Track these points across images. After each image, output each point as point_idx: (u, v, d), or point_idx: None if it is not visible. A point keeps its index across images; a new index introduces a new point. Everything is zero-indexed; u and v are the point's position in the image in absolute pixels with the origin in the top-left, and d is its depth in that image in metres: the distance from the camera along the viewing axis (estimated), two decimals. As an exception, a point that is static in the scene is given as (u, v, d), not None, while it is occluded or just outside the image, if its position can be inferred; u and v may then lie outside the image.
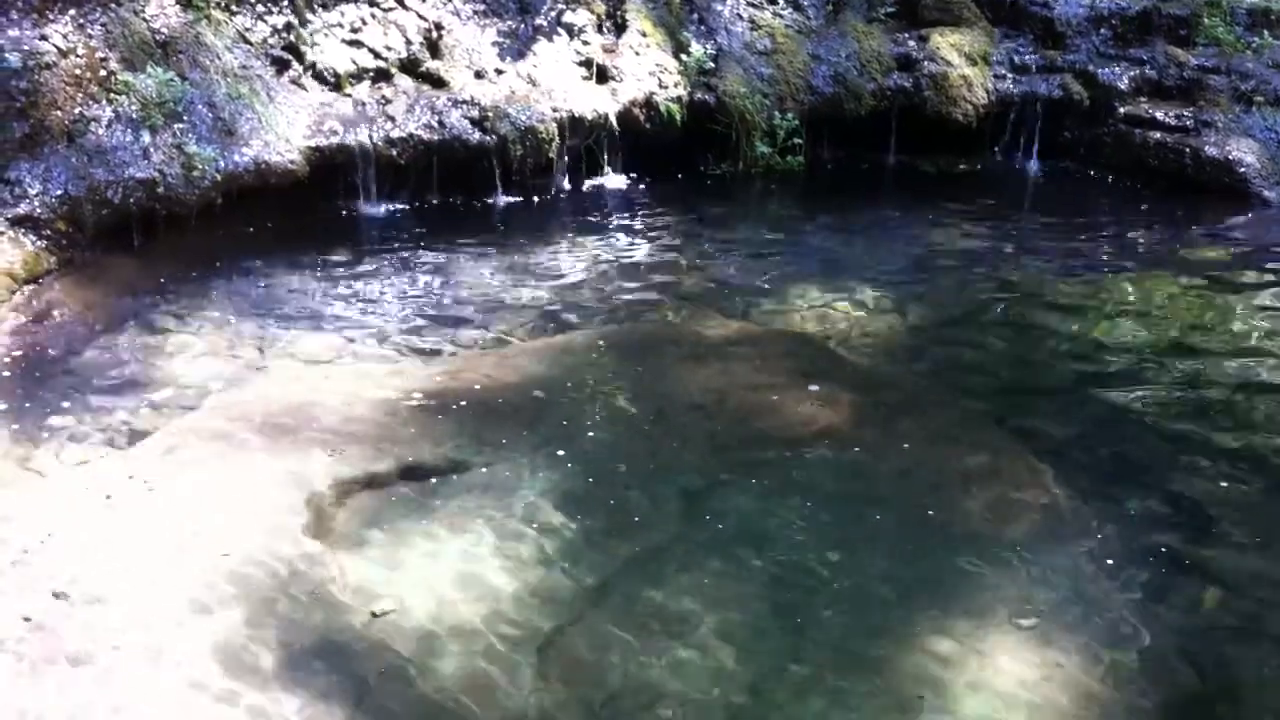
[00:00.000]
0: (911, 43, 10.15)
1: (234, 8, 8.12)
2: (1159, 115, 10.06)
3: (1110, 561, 4.40)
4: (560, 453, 4.94)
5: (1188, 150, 9.79)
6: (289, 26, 8.26)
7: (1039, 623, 4.04)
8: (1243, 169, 9.61)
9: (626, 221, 8.58)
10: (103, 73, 7.02)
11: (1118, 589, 4.24)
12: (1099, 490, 4.93)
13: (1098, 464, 5.20)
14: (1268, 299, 7.35)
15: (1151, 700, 3.71)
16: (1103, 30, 10.61)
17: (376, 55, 8.48)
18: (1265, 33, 10.63)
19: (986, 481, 4.92)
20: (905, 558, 4.39)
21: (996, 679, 3.76)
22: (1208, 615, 4.17)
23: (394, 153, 8.13)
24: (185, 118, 7.20)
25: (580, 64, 9.08)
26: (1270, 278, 7.80)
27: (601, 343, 6.19)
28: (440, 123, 8.28)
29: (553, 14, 9.18)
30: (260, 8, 8.23)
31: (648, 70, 9.18)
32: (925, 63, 9.99)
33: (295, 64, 8.22)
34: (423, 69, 8.61)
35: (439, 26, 8.76)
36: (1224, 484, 5.01)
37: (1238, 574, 4.41)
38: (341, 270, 7.19)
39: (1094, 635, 3.99)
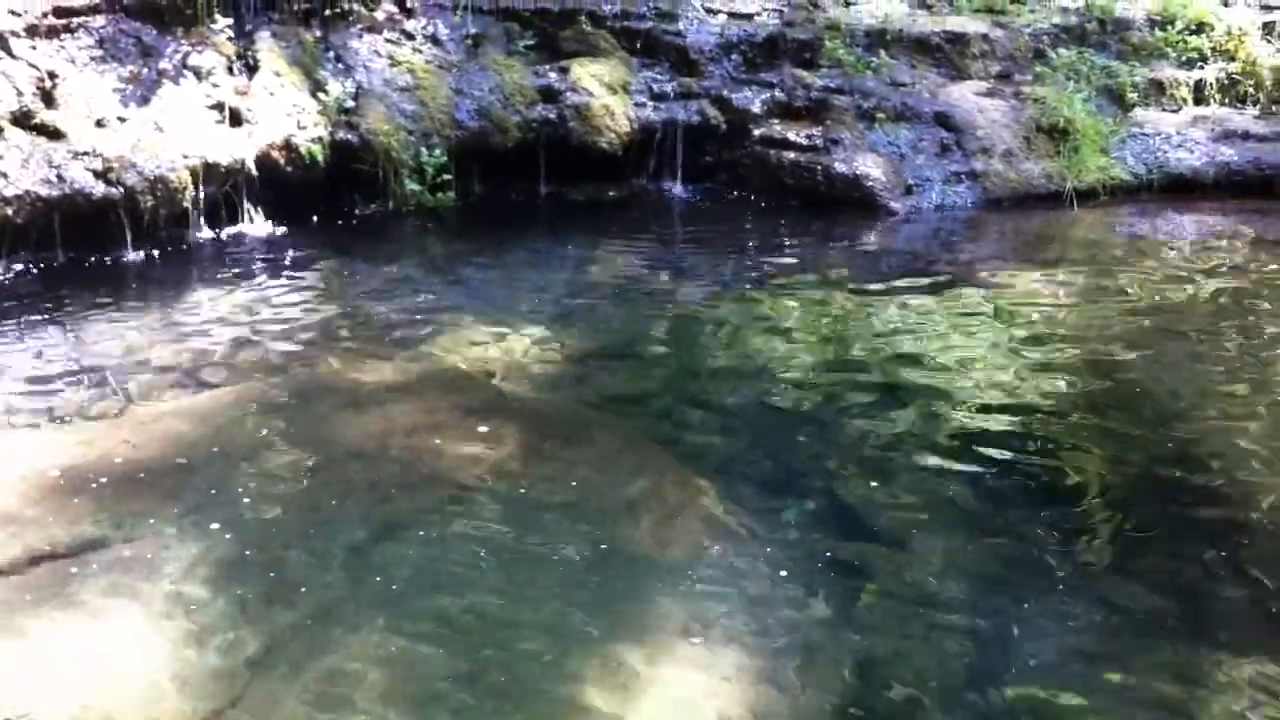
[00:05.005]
0: (553, 74, 10.25)
1: None
2: (791, 135, 10.55)
3: (773, 570, 4.48)
4: (211, 521, 4.63)
5: (819, 168, 10.31)
6: (-124, 80, 7.53)
7: (707, 639, 4.07)
8: (870, 182, 10.19)
9: (272, 269, 8.24)
10: None
11: (782, 597, 4.33)
12: (760, 502, 5.04)
13: (759, 477, 5.31)
14: (900, 301, 7.79)
15: (818, 703, 3.79)
16: (734, 56, 11.06)
17: (-17, 108, 7.83)
18: (882, 52, 11.35)
19: (652, 505, 4.94)
20: (577, 591, 4.34)
21: (668, 699, 3.75)
22: (868, 614, 4.30)
23: (9, 211, 7.52)
24: None
25: (212, 107, 8.68)
26: (899, 282, 8.28)
27: (250, 400, 5.86)
28: (59, 177, 7.72)
29: (177, 57, 8.75)
30: None
31: (284, 111, 8.88)
32: (568, 94, 10.11)
33: (-113, 121, 7.49)
34: (36, 121, 7.99)
35: (53, 75, 8.18)
36: (874, 484, 5.22)
37: (894, 572, 4.58)
38: (-45, 342, 6.58)
39: (761, 645, 4.05)
